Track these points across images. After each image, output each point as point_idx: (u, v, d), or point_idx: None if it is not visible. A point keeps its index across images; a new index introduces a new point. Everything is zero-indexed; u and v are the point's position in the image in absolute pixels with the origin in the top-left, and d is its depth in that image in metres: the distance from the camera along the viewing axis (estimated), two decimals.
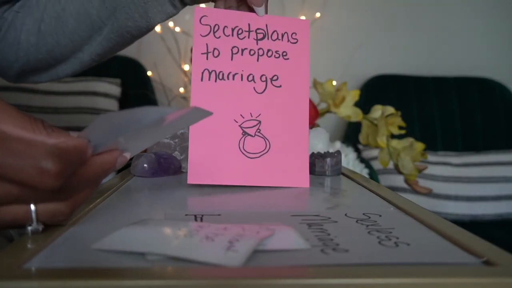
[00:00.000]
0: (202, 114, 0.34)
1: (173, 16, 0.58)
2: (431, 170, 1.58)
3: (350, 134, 1.71)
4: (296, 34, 0.53)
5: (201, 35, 0.52)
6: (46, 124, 0.31)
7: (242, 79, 0.51)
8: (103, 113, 0.34)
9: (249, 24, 0.52)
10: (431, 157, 1.63)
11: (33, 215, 0.30)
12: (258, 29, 0.52)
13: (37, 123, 0.30)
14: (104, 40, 0.56)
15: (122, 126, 0.32)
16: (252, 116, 0.51)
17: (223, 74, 0.50)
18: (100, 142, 0.31)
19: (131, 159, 0.60)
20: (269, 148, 0.50)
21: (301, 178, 0.50)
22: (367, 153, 1.63)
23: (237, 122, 0.50)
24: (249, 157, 0.50)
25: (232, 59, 0.51)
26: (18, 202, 0.29)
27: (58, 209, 0.31)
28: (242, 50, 0.51)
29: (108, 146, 0.32)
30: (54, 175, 0.27)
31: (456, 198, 1.61)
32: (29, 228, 0.30)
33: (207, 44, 0.51)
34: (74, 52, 0.58)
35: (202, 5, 0.55)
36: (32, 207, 0.29)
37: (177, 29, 1.82)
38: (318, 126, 0.86)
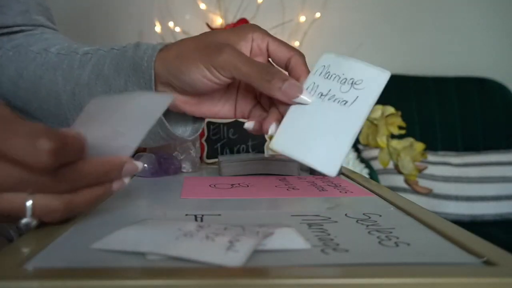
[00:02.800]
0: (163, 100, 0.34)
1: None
2: (431, 170, 1.58)
3: None
4: None
5: None
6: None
7: None
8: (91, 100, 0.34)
9: None
10: (431, 157, 1.63)
11: (28, 207, 0.30)
12: None
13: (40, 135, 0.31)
14: None
15: (116, 112, 0.32)
16: None
17: None
18: (96, 133, 0.31)
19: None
20: None
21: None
22: (367, 153, 1.63)
23: None
24: None
25: None
26: (17, 189, 0.29)
27: (53, 205, 0.30)
28: None
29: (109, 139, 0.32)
30: (49, 153, 0.27)
31: (456, 198, 1.61)
32: (22, 221, 0.30)
33: None
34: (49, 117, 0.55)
35: None
36: (29, 202, 0.29)
37: (177, 29, 1.82)
38: None
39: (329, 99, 0.40)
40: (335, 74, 0.40)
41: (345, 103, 0.39)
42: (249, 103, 0.47)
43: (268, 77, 0.39)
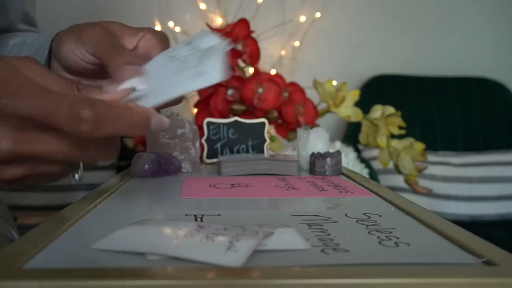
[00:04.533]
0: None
1: None
2: (431, 170, 1.58)
3: (350, 134, 1.71)
4: None
5: None
6: (80, 85, 0.33)
7: None
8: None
9: None
10: (431, 157, 1.63)
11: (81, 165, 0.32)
12: None
13: (72, 85, 0.32)
14: None
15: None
16: None
17: None
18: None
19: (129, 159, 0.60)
20: None
21: None
22: (367, 153, 1.63)
23: None
24: None
25: None
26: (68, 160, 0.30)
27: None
28: None
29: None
30: (91, 122, 0.28)
31: (456, 198, 1.61)
32: (76, 176, 0.33)
33: None
34: None
35: None
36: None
37: (177, 29, 1.82)
38: (318, 126, 0.86)
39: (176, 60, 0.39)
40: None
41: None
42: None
43: (116, 52, 0.38)
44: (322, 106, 0.94)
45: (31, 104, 0.28)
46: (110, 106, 0.29)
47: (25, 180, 0.32)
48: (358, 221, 0.35)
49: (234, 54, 0.88)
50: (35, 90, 0.28)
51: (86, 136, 0.29)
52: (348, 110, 0.91)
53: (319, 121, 0.92)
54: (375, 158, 1.55)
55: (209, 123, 0.69)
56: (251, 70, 0.97)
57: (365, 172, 1.44)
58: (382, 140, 0.88)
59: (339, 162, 0.61)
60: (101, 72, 0.41)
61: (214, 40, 0.39)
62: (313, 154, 0.62)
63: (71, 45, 0.40)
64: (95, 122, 0.28)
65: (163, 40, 0.42)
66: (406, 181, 0.92)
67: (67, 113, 0.28)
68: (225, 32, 0.90)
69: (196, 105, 0.93)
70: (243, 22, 0.91)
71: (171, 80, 0.37)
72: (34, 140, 0.29)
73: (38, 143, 0.29)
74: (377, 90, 1.82)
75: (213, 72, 0.36)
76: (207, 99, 0.88)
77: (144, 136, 0.47)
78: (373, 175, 1.46)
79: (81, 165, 0.32)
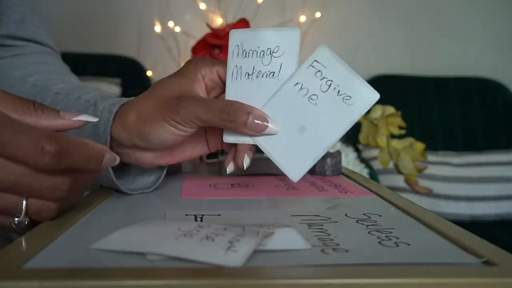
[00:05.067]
0: None
1: None
2: (431, 170, 1.58)
3: (350, 134, 1.70)
4: None
5: None
6: (37, 105, 0.32)
7: None
8: None
9: None
10: (431, 157, 1.63)
11: (23, 206, 0.31)
12: None
13: (28, 105, 0.32)
14: None
15: None
16: None
17: None
18: None
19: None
20: None
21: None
22: (367, 153, 1.63)
23: None
24: None
25: None
26: (14, 188, 0.30)
27: (47, 205, 0.31)
28: None
29: None
30: (51, 155, 0.29)
31: (456, 198, 1.61)
32: (16, 219, 0.31)
33: None
34: None
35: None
36: (24, 200, 0.31)
37: (177, 29, 1.82)
38: None
39: (256, 76, 0.40)
40: (251, 50, 0.40)
41: (272, 75, 0.40)
42: (219, 134, 0.45)
43: (230, 117, 0.39)
44: None
45: None
46: (71, 141, 0.30)
47: None
48: (358, 221, 0.35)
49: None
50: None
51: (48, 168, 0.29)
52: None
53: None
54: (375, 158, 1.55)
55: None
56: None
57: (365, 172, 1.43)
58: (382, 140, 0.88)
59: (339, 162, 0.61)
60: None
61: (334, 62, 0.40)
62: None
63: (166, 128, 0.40)
64: (58, 155, 0.29)
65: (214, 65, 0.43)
66: (406, 181, 0.92)
67: (31, 145, 0.28)
68: (225, 32, 0.90)
69: None
70: (243, 22, 0.91)
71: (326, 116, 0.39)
72: None
73: None
74: (377, 90, 1.82)
75: (365, 95, 0.39)
76: None
77: None
78: (373, 175, 1.46)
79: (23, 206, 0.31)
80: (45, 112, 0.32)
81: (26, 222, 0.31)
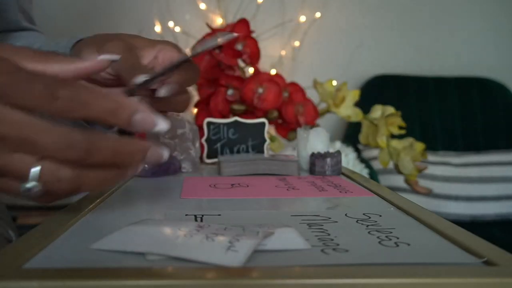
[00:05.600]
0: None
1: None
2: (431, 170, 1.58)
3: (350, 134, 1.71)
4: None
5: None
6: (54, 54, 0.32)
7: None
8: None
9: None
10: (431, 157, 1.63)
11: (36, 170, 0.27)
12: None
13: (42, 54, 0.31)
14: None
15: None
16: None
17: None
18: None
19: None
20: None
21: None
22: (367, 153, 1.63)
23: None
24: None
25: None
26: (22, 149, 0.27)
27: (62, 173, 0.28)
28: None
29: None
30: (66, 99, 0.27)
31: (456, 198, 1.61)
32: (27, 185, 0.27)
33: None
34: None
35: None
36: (36, 166, 0.27)
37: (177, 29, 1.82)
38: (318, 126, 0.86)
39: None
40: None
41: None
42: None
43: (135, 72, 0.37)
44: (322, 106, 0.94)
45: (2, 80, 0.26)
46: (88, 90, 0.28)
47: None
48: (358, 221, 0.35)
49: (234, 54, 0.88)
50: (7, 67, 0.27)
51: (59, 116, 0.27)
52: (348, 110, 0.91)
53: (319, 121, 0.92)
54: (375, 158, 1.55)
55: (209, 123, 0.69)
56: (251, 70, 0.97)
57: (365, 172, 1.43)
58: (382, 140, 0.88)
59: (339, 162, 0.61)
60: (117, 83, 0.42)
61: None
62: (313, 154, 0.62)
63: (93, 56, 0.38)
64: (71, 101, 0.27)
65: (180, 51, 0.43)
66: (406, 181, 0.92)
67: (40, 91, 0.26)
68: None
69: (196, 105, 0.93)
70: (243, 22, 0.91)
71: None
72: (5, 121, 0.26)
73: (8, 125, 0.26)
74: (377, 90, 1.82)
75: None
76: (207, 99, 0.88)
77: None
78: (373, 175, 1.46)
79: (34, 168, 0.27)
80: (60, 57, 0.31)
81: (38, 188, 0.27)
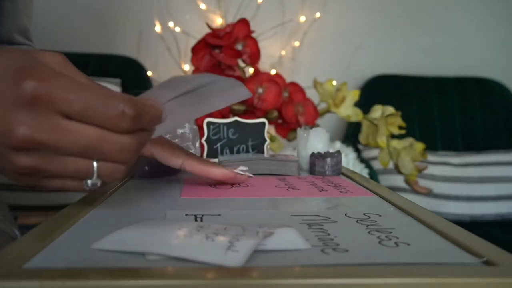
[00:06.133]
0: (244, 92, 0.35)
1: None
2: (431, 170, 1.58)
3: (350, 134, 1.71)
4: None
5: None
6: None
7: None
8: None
9: None
10: (431, 157, 1.63)
11: (95, 168, 0.31)
12: None
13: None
14: None
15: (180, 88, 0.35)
16: None
17: None
18: (170, 99, 0.35)
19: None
20: None
21: None
22: (367, 153, 1.63)
23: None
24: None
25: None
26: (85, 152, 0.30)
27: (117, 167, 0.31)
28: None
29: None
30: (130, 119, 0.29)
31: (456, 198, 1.61)
32: (89, 181, 0.31)
33: None
34: None
35: None
36: (95, 162, 0.31)
37: (177, 29, 1.82)
38: (318, 126, 0.86)
39: None
40: None
41: None
42: None
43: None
44: (322, 106, 0.94)
45: (73, 94, 0.28)
46: (143, 103, 0.31)
47: (37, 178, 0.31)
48: (358, 221, 0.35)
49: (234, 54, 0.88)
50: (72, 82, 0.29)
51: (126, 131, 0.30)
52: (348, 110, 0.91)
53: (319, 121, 0.92)
54: (375, 158, 1.55)
55: (209, 123, 0.69)
56: (251, 70, 0.97)
57: (365, 172, 1.43)
58: (382, 140, 0.88)
59: (339, 162, 0.61)
60: None
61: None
62: (313, 154, 0.62)
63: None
64: (136, 118, 0.30)
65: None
66: (406, 181, 0.92)
67: (113, 109, 0.29)
68: (225, 32, 0.90)
69: None
70: (243, 22, 0.91)
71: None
72: (54, 130, 0.29)
73: (58, 133, 0.29)
74: (377, 90, 1.82)
75: None
76: None
77: None
78: (373, 175, 1.46)
79: (95, 168, 0.31)
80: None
81: (99, 183, 0.31)
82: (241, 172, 0.49)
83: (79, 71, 0.32)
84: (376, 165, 1.52)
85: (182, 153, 0.48)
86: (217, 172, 0.48)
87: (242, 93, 0.37)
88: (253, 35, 0.92)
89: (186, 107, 0.36)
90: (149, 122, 0.32)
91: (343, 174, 0.61)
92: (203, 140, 0.68)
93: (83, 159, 0.30)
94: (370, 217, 0.37)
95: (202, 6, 1.85)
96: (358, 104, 0.92)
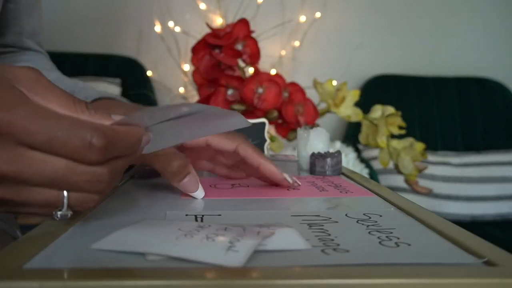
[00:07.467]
0: (241, 121, 0.34)
1: None
2: (431, 170, 1.58)
3: (350, 134, 1.71)
4: None
5: None
6: (88, 105, 0.31)
7: None
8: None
9: None
10: (431, 157, 1.63)
11: (65, 199, 0.29)
12: None
13: (80, 103, 0.31)
14: None
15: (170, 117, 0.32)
16: None
17: None
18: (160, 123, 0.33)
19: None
20: None
21: None
22: (367, 153, 1.63)
23: None
24: None
25: None
26: (52, 186, 0.28)
27: (88, 197, 0.30)
28: None
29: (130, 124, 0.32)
30: (100, 149, 0.28)
31: (456, 198, 1.61)
32: (59, 213, 0.29)
33: None
34: None
35: None
36: (65, 192, 0.29)
37: (177, 29, 1.82)
38: (318, 126, 0.86)
39: None
40: None
41: None
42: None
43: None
44: (322, 106, 0.94)
45: (35, 125, 0.26)
46: (116, 131, 0.29)
47: (7, 206, 0.30)
48: (359, 221, 0.35)
49: (234, 54, 0.88)
50: (35, 111, 0.27)
51: (94, 163, 0.28)
52: (348, 110, 0.91)
53: (319, 121, 0.92)
54: (375, 158, 1.55)
55: None
56: (251, 70, 0.97)
57: (365, 172, 1.44)
58: (382, 140, 0.88)
59: (339, 162, 0.61)
60: None
61: None
62: (313, 154, 0.62)
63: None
64: (105, 149, 0.28)
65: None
66: (406, 181, 0.92)
67: (79, 140, 0.27)
68: (225, 32, 0.90)
69: None
70: (243, 22, 0.91)
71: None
72: (17, 161, 0.27)
73: (21, 164, 0.27)
74: (377, 90, 1.82)
75: None
76: (207, 99, 0.88)
77: None
78: (373, 175, 1.46)
79: (65, 199, 0.29)
80: (98, 113, 0.31)
81: (69, 214, 0.30)
82: (289, 179, 0.48)
83: (53, 86, 0.30)
84: (376, 165, 1.52)
85: (238, 137, 0.48)
86: (267, 167, 0.47)
87: (239, 121, 0.36)
88: (253, 35, 0.92)
89: (179, 129, 0.35)
90: (124, 149, 0.31)
91: (343, 174, 0.61)
92: None
93: (52, 190, 0.29)
94: (370, 217, 0.37)
95: (202, 6, 1.85)
96: (358, 104, 0.92)
